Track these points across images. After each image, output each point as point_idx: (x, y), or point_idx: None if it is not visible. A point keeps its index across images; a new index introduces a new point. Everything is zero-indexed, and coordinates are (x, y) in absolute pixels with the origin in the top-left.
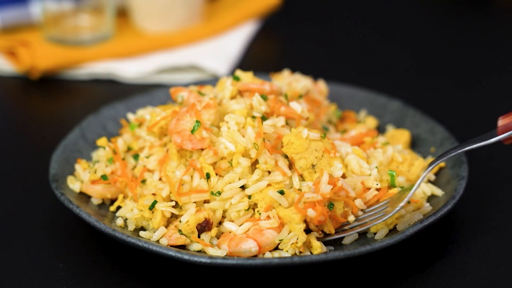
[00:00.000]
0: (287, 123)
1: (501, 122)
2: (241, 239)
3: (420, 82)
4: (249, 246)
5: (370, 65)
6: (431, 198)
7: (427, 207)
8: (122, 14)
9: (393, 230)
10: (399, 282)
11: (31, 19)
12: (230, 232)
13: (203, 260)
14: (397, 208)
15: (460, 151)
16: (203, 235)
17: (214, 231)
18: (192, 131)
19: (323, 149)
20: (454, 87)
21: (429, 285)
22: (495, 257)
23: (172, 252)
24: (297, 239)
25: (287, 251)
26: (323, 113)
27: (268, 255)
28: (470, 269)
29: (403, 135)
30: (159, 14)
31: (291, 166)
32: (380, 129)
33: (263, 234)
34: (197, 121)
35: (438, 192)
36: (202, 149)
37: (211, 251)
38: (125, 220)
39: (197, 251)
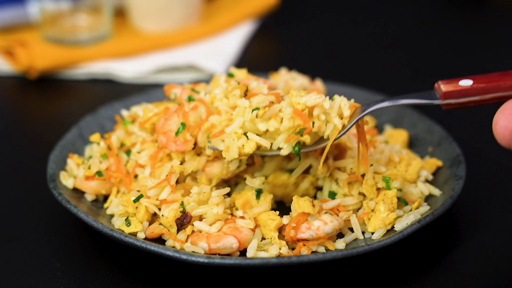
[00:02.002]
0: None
1: (444, 87)
2: (220, 236)
3: (418, 82)
4: (230, 243)
5: (367, 65)
6: (428, 198)
7: (425, 206)
8: (120, 13)
9: (391, 230)
10: (397, 282)
11: (29, 19)
12: (201, 232)
13: (201, 259)
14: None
15: (395, 103)
16: (179, 234)
17: (189, 228)
18: (176, 133)
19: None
20: None
21: (427, 285)
22: (493, 257)
23: (170, 252)
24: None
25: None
26: None
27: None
28: (468, 268)
29: (401, 135)
30: (157, 14)
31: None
32: (378, 129)
33: (241, 231)
34: (182, 123)
35: (436, 192)
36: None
37: (189, 248)
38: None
39: (172, 247)
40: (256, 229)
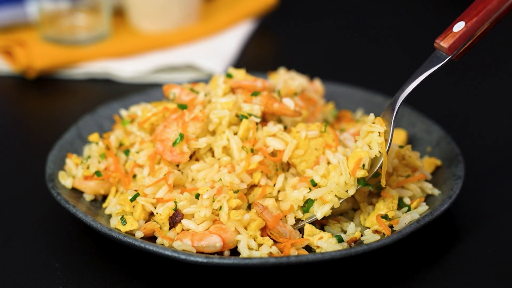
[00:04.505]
0: (280, 121)
1: (445, 42)
2: (204, 235)
3: None
4: (214, 241)
5: (366, 65)
6: (427, 198)
7: (424, 206)
8: (119, 13)
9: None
10: (396, 282)
11: (27, 18)
12: (188, 230)
13: (200, 259)
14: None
15: (417, 82)
16: (169, 232)
17: (179, 226)
18: (174, 144)
19: (324, 145)
20: (450, 87)
21: (426, 285)
22: (492, 257)
23: (169, 252)
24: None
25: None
26: (319, 112)
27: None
28: (467, 268)
29: (400, 135)
30: (156, 13)
31: (289, 168)
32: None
33: (226, 231)
34: (181, 134)
35: (435, 191)
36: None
37: (179, 246)
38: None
39: (161, 244)
40: (241, 228)
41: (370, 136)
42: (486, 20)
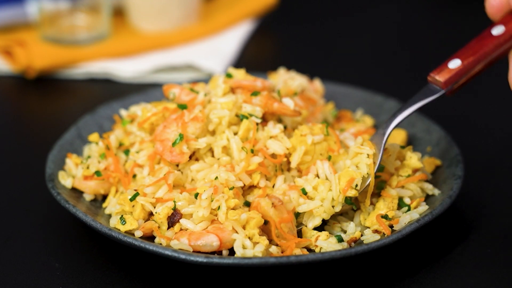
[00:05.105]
0: (280, 120)
1: (441, 77)
2: (201, 234)
3: (416, 81)
4: (210, 240)
5: (366, 65)
6: (427, 198)
7: (424, 206)
8: (119, 13)
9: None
10: (396, 282)
11: (27, 18)
12: (187, 229)
13: (200, 259)
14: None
15: (409, 113)
16: (168, 231)
17: (177, 226)
18: (173, 144)
19: (327, 149)
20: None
21: (426, 285)
22: (492, 257)
23: (169, 252)
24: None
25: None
26: (318, 112)
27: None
28: (467, 268)
29: (400, 135)
30: (156, 13)
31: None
32: (377, 128)
33: (224, 230)
34: (180, 135)
35: (435, 191)
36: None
37: (176, 245)
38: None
39: (159, 244)
40: (239, 228)
41: (359, 157)
42: (481, 61)
